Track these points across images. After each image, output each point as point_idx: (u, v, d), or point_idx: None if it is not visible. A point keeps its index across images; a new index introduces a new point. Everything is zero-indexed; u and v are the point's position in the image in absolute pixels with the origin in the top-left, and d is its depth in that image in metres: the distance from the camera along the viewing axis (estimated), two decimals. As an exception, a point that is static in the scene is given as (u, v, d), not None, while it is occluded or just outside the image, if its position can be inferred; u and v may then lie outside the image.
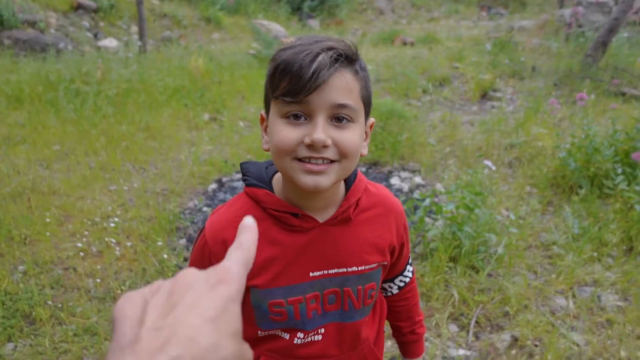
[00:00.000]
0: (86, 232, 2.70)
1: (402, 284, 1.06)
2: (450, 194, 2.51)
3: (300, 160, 0.76)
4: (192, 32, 8.79)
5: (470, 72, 6.06)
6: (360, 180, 0.92)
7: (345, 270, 0.88)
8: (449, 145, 3.99)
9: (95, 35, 7.54)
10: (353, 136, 0.77)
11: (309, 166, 0.75)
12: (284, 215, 0.84)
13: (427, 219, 2.66)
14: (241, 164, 0.92)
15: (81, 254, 2.52)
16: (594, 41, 5.57)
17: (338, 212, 0.86)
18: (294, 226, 0.84)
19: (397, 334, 1.12)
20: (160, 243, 2.60)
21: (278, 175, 0.89)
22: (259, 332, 0.90)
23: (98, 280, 2.35)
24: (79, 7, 7.90)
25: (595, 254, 2.42)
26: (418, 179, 3.43)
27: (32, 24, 6.77)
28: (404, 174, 3.57)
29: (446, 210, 2.39)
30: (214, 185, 3.38)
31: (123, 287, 2.29)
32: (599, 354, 1.86)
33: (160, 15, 8.88)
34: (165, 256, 2.49)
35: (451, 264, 2.30)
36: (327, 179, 0.77)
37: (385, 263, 0.93)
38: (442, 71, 6.09)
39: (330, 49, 0.74)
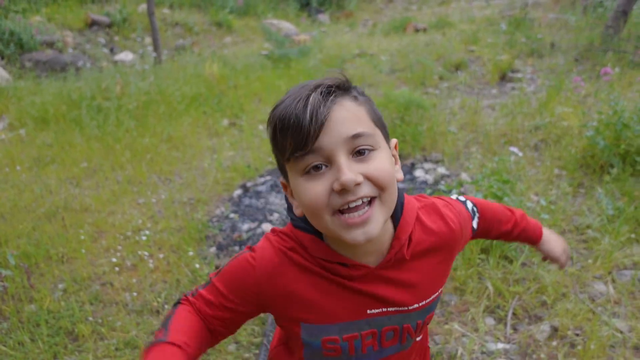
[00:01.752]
0: (119, 247, 2.77)
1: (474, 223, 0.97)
2: (477, 184, 2.47)
3: (339, 212, 0.70)
4: (204, 38, 8.86)
5: (487, 54, 5.94)
6: (410, 209, 0.83)
7: (405, 308, 0.83)
8: (470, 132, 3.93)
9: (112, 50, 7.68)
10: (382, 164, 0.71)
11: (351, 220, 0.69)
12: (332, 266, 0.79)
13: (454, 211, 2.62)
14: (286, 197, 0.84)
15: (116, 268, 2.59)
16: (614, 11, 5.38)
17: (390, 254, 0.79)
18: (344, 276, 0.79)
19: (505, 237, 1.06)
20: (191, 253, 2.64)
21: None
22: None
23: (135, 293, 2.40)
24: (93, 23, 8.06)
25: (632, 235, 2.35)
26: (442, 170, 3.39)
27: (51, 45, 6.94)
28: (427, 165, 3.53)
29: (474, 201, 2.35)
30: (239, 191, 3.41)
31: (159, 299, 2.34)
32: (645, 339, 1.81)
33: (172, 24, 8.98)
34: (197, 266, 2.53)
35: (483, 256, 2.27)
36: (375, 224, 0.70)
37: (443, 288, 0.89)
38: (457, 56, 5.98)
39: (317, 86, 0.70)
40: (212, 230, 2.92)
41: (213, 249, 2.75)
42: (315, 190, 0.69)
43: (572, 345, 1.83)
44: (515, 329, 1.95)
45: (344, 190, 0.68)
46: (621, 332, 1.85)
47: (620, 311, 1.96)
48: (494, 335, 1.93)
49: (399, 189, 0.82)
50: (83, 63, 6.66)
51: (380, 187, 0.70)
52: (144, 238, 2.82)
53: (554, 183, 2.99)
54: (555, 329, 1.90)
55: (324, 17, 10.75)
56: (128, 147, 4.05)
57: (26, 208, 3.19)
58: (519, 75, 5.16)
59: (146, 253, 2.68)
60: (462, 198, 0.97)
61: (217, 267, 2.58)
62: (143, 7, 8.61)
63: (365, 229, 0.69)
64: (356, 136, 0.69)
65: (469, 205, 0.96)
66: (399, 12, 11.07)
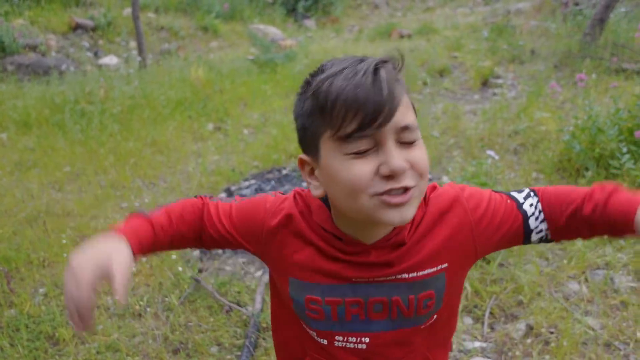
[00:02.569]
0: (102, 251, 2.76)
1: (540, 234, 0.81)
2: (456, 187, 2.52)
3: (378, 195, 0.67)
4: (190, 43, 8.86)
5: (470, 61, 6.05)
6: (424, 199, 0.81)
7: (393, 277, 0.79)
8: (452, 136, 4.00)
9: (96, 54, 7.63)
10: (423, 153, 0.70)
11: (393, 200, 0.67)
12: (327, 235, 0.79)
13: (435, 213, 2.68)
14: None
15: (99, 272, 2.58)
16: (591, 19, 5.53)
17: (391, 234, 0.77)
18: (337, 248, 0.79)
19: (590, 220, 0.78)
20: (174, 256, 2.65)
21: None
22: (304, 326, 0.87)
23: (116, 297, 2.40)
24: (77, 27, 8.00)
25: (605, 236, 2.42)
26: (424, 173, 3.44)
27: (33, 48, 6.88)
28: (409, 169, 3.58)
29: (453, 203, 2.40)
30: (223, 195, 3.42)
31: (141, 302, 2.35)
32: (615, 336, 1.87)
33: (157, 28, 8.95)
34: (180, 269, 2.54)
35: (462, 257, 2.32)
36: (411, 208, 0.70)
37: (446, 265, 0.80)
38: (441, 62, 6.08)
39: (384, 61, 0.66)
40: (195, 233, 2.93)
41: (196, 253, 2.76)
42: (360, 170, 0.66)
43: (547, 343, 1.88)
44: (492, 328, 2.00)
45: (390, 177, 0.66)
46: (593, 330, 1.91)
47: (593, 309, 2.02)
48: (471, 334, 1.97)
49: None
50: (67, 67, 6.61)
51: (420, 175, 0.70)
52: (127, 242, 2.81)
53: (532, 186, 3.06)
54: (530, 327, 1.95)
55: (310, 23, 10.82)
56: (112, 152, 4.04)
57: (7, 212, 3.16)
58: (501, 81, 5.26)
59: (129, 257, 2.68)
60: (514, 193, 0.84)
61: (200, 270, 2.59)
62: (128, 11, 8.58)
63: (402, 211, 0.68)
64: (405, 128, 0.67)
65: (517, 193, 0.83)
66: (384, 19, 11.19)
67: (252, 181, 3.61)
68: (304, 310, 0.83)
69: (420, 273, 0.79)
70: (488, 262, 2.31)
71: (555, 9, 7.98)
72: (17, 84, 5.77)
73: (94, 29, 8.20)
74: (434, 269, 0.80)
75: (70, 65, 6.75)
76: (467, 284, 2.17)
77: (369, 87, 0.63)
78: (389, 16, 11.72)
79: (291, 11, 11.42)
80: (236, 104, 5.27)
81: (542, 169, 3.21)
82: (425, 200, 0.81)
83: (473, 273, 2.23)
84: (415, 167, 0.68)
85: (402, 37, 8.35)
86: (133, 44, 8.04)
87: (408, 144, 0.69)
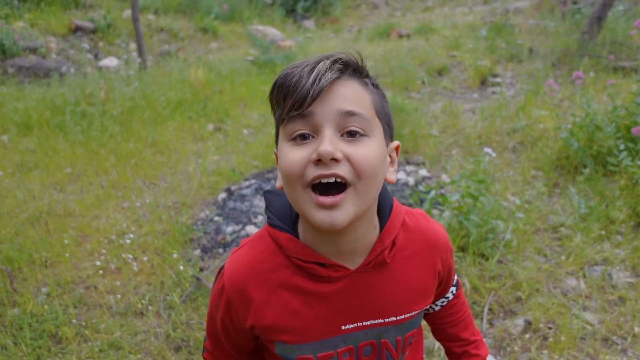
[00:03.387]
0: (103, 251, 2.78)
1: (444, 302, 0.95)
2: (455, 184, 2.55)
3: (312, 190, 0.67)
4: (190, 44, 8.88)
5: (468, 60, 6.06)
6: (398, 213, 0.80)
7: (382, 321, 0.79)
8: (451, 135, 4.02)
9: (96, 56, 7.66)
10: (369, 151, 0.67)
11: (321, 199, 0.66)
12: (309, 266, 0.75)
13: (433, 211, 2.70)
14: (264, 194, 0.83)
15: (100, 272, 2.60)
16: (590, 17, 5.55)
17: (371, 256, 0.76)
18: (321, 277, 0.75)
19: (450, 356, 0.98)
20: (175, 255, 2.67)
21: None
22: None
23: (119, 296, 2.42)
24: (77, 29, 8.03)
25: (603, 232, 2.44)
26: (423, 172, 3.46)
27: (34, 50, 6.90)
28: (409, 168, 3.60)
29: (451, 200, 2.42)
30: (223, 195, 3.44)
31: (143, 301, 2.37)
32: (613, 331, 1.89)
33: (157, 29, 8.98)
34: (182, 268, 2.56)
35: (460, 254, 2.34)
36: (344, 213, 0.66)
37: (428, 308, 0.88)
38: (439, 61, 6.10)
39: (331, 56, 0.68)
40: (196, 233, 2.95)
41: (197, 252, 2.78)
42: (294, 156, 0.67)
43: (545, 338, 1.90)
44: (491, 324, 2.02)
45: (319, 161, 0.65)
46: (591, 325, 1.92)
47: (591, 305, 2.04)
48: (470, 329, 1.99)
49: (389, 193, 0.81)
50: (67, 69, 6.63)
51: (358, 174, 0.66)
52: (128, 241, 2.83)
53: (530, 183, 3.08)
54: (529, 323, 1.97)
55: (309, 23, 10.85)
56: (112, 152, 4.06)
57: (9, 213, 3.18)
58: (499, 79, 5.28)
59: (130, 256, 2.70)
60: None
61: (201, 269, 2.61)
62: (127, 12, 8.60)
63: (333, 213, 0.66)
64: (350, 113, 0.67)
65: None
66: (383, 19, 11.21)
67: (253, 181, 3.63)
68: None
69: (407, 315, 0.80)
70: (487, 259, 2.33)
71: (554, 7, 8.00)
72: (17, 86, 5.79)
73: (93, 31, 8.22)
74: (417, 311, 0.81)
75: (70, 67, 6.77)
76: (466, 281, 2.18)
77: (303, 74, 0.66)
78: (388, 16, 11.74)
79: (290, 12, 11.44)
80: (236, 105, 5.29)
81: (540, 166, 3.23)
82: (405, 226, 0.81)
83: (472, 270, 2.24)
84: (351, 160, 0.66)
85: (401, 36, 8.37)
86: (133, 45, 8.07)
87: (351, 138, 0.67)
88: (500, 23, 7.21)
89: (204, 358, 0.93)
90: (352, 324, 0.78)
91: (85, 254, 2.77)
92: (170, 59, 7.44)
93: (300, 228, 0.79)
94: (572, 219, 2.58)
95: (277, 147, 0.75)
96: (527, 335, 1.92)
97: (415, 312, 0.81)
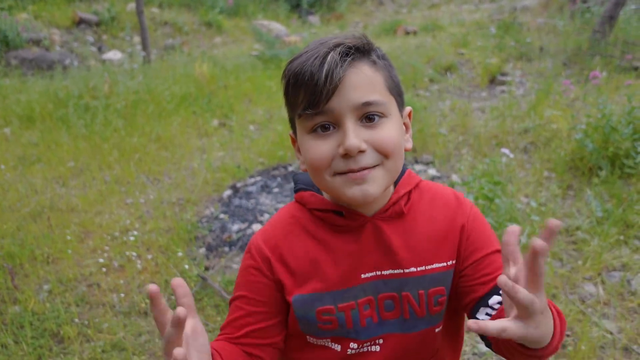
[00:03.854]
0: (107, 247, 2.72)
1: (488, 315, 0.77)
2: (468, 185, 2.48)
3: (340, 174, 0.70)
4: (194, 38, 8.80)
5: (477, 57, 5.98)
6: (411, 176, 0.83)
7: (401, 271, 0.78)
8: (461, 134, 3.94)
9: (100, 49, 7.59)
10: (389, 132, 0.71)
11: (351, 175, 0.69)
12: (328, 216, 0.79)
13: (445, 212, 2.63)
14: (293, 175, 0.89)
15: (103, 269, 2.54)
16: (601, 16, 5.46)
17: (388, 204, 0.79)
18: (340, 226, 0.79)
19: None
20: (180, 254, 2.61)
21: None
22: (309, 337, 0.83)
23: (122, 294, 2.36)
24: (80, 21, 7.96)
25: (621, 237, 2.37)
26: (432, 171, 3.40)
27: (37, 43, 6.84)
28: (417, 167, 3.53)
29: (465, 202, 2.35)
30: (228, 192, 3.38)
31: (147, 301, 2.30)
32: (634, 340, 1.82)
33: (161, 23, 8.90)
34: (187, 267, 2.50)
35: (474, 257, 2.27)
36: (375, 185, 0.70)
37: (454, 261, 0.79)
38: (447, 58, 6.01)
39: (337, 45, 0.69)
40: (201, 230, 2.89)
41: (202, 250, 2.72)
42: (320, 149, 0.70)
43: (563, 346, 1.83)
44: (506, 330, 1.95)
45: (347, 155, 0.68)
46: (611, 333, 1.86)
47: (610, 312, 1.97)
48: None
49: (402, 165, 0.81)
50: (70, 61, 6.57)
51: (385, 154, 0.70)
52: (132, 238, 2.77)
53: (544, 185, 3.01)
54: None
55: (314, 19, 10.75)
56: (116, 147, 4.00)
57: (10, 208, 3.12)
58: (509, 78, 5.20)
59: (134, 254, 2.64)
60: None
61: (206, 268, 2.55)
62: (132, 6, 8.52)
63: (364, 186, 0.69)
64: (367, 104, 0.69)
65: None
66: (389, 15, 11.11)
67: (258, 178, 3.57)
68: (315, 324, 0.80)
69: (429, 267, 0.79)
70: (501, 263, 2.26)
71: (563, 6, 7.91)
72: (20, 79, 5.73)
73: (97, 24, 8.15)
74: (443, 264, 0.79)
75: (73, 60, 6.71)
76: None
77: (315, 69, 0.67)
78: (393, 12, 11.64)
79: (295, 7, 11.35)
80: (241, 100, 5.22)
81: (553, 167, 3.15)
82: (417, 185, 0.83)
83: (486, 273, 2.18)
84: (376, 146, 0.69)
85: (407, 33, 8.28)
86: (137, 39, 8.00)
87: (370, 123, 0.70)
88: (509, 21, 7.11)
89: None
90: (371, 272, 0.78)
91: (88, 250, 2.71)
92: (175, 53, 7.37)
93: (325, 193, 0.82)
94: (588, 222, 2.51)
95: (293, 132, 0.78)
96: (544, 343, 1.85)
97: (438, 267, 0.79)
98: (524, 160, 3.38)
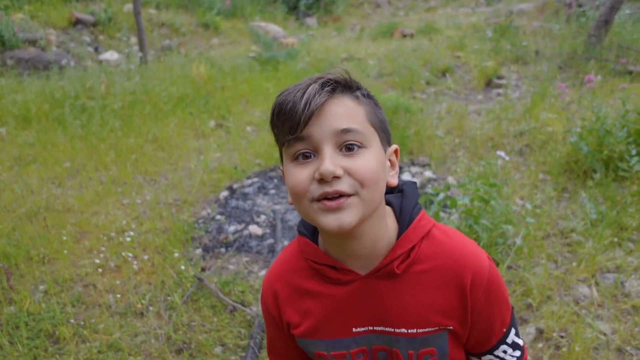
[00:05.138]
0: (103, 248, 2.72)
1: None
2: (464, 187, 2.49)
3: (316, 201, 0.71)
4: (191, 39, 8.80)
5: (473, 61, 6.01)
6: (419, 226, 0.78)
7: (392, 330, 0.79)
8: (457, 136, 3.96)
9: (96, 49, 7.57)
10: (367, 161, 0.71)
11: (327, 203, 0.69)
12: (321, 268, 0.80)
13: (441, 214, 2.64)
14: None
15: (99, 270, 2.54)
16: (596, 20, 5.50)
17: (381, 264, 0.77)
18: (332, 279, 0.80)
19: None
20: (176, 254, 2.61)
21: None
22: None
23: (118, 295, 2.36)
24: (77, 22, 7.94)
25: (615, 239, 2.39)
26: (428, 173, 3.41)
27: (33, 43, 6.81)
28: (414, 169, 3.55)
29: (461, 203, 2.37)
30: (225, 193, 3.38)
31: (143, 301, 2.30)
32: (627, 342, 1.84)
33: (158, 24, 8.89)
34: (183, 267, 2.49)
35: (470, 258, 2.28)
36: (350, 214, 0.69)
37: (451, 328, 0.78)
38: (444, 61, 6.04)
39: (319, 78, 0.72)
40: (198, 231, 2.89)
41: (199, 251, 2.72)
42: (299, 176, 0.72)
43: (557, 347, 1.85)
44: (501, 331, 1.97)
45: (322, 180, 0.69)
46: (605, 335, 1.87)
47: (604, 314, 1.99)
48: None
49: (419, 204, 0.82)
50: (67, 62, 6.55)
51: (361, 183, 0.70)
52: (128, 239, 2.77)
53: (539, 187, 3.03)
54: (540, 331, 1.92)
55: (311, 21, 10.77)
56: (112, 147, 3.99)
57: (6, 208, 3.11)
58: (504, 81, 5.23)
59: (130, 254, 2.64)
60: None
61: (202, 269, 2.55)
62: (129, 6, 8.52)
63: (339, 216, 0.69)
64: (346, 131, 0.70)
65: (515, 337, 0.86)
66: (386, 18, 11.15)
67: (255, 179, 3.57)
68: (314, 357, 0.88)
69: (420, 330, 0.78)
70: (497, 265, 2.28)
71: (559, 10, 7.96)
72: (16, 79, 5.71)
73: (94, 24, 8.13)
74: (436, 328, 0.78)
75: (70, 60, 6.69)
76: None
77: (296, 98, 0.70)
78: (390, 15, 11.69)
79: (292, 9, 11.37)
80: (238, 101, 5.23)
81: (549, 170, 3.18)
82: (428, 234, 0.79)
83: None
84: (352, 174, 0.69)
85: (404, 36, 8.31)
86: (134, 39, 7.99)
87: (349, 153, 0.71)
88: (505, 24, 7.15)
89: None
90: (363, 327, 0.80)
91: (84, 251, 2.70)
92: (172, 54, 7.36)
93: (320, 235, 0.84)
94: (582, 224, 2.53)
95: (282, 165, 0.80)
96: (539, 344, 1.86)
97: (431, 330, 0.78)
98: (519, 162, 3.40)
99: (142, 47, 6.54)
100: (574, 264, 2.28)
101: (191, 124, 4.61)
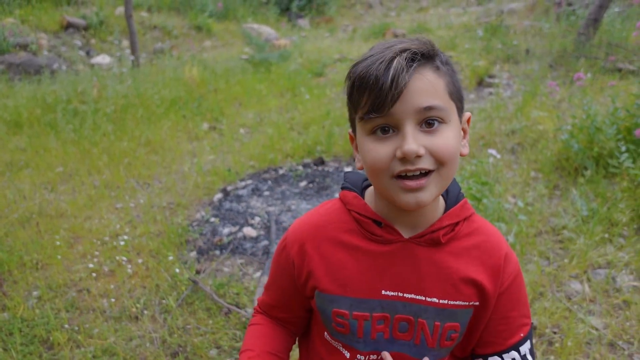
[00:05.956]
0: (96, 252, 2.71)
1: None
2: (456, 186, 2.51)
3: (398, 177, 0.70)
4: (184, 42, 8.78)
5: (465, 60, 6.04)
6: (464, 207, 0.81)
7: (423, 298, 0.78)
8: (449, 135, 3.99)
9: (88, 53, 7.54)
10: (448, 139, 0.70)
11: (408, 183, 0.70)
12: (365, 221, 0.80)
13: (435, 213, 2.66)
14: (344, 173, 0.89)
15: (93, 274, 2.53)
16: (586, 19, 5.55)
17: (427, 230, 0.78)
18: (374, 234, 0.79)
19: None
20: (171, 257, 2.61)
21: (372, 188, 0.84)
22: (326, 334, 0.86)
23: (112, 299, 2.35)
24: (68, 26, 7.90)
25: (606, 235, 2.42)
26: (422, 173, 3.43)
27: (24, 47, 6.78)
28: (407, 169, 3.56)
29: (453, 202, 2.38)
30: (219, 195, 3.38)
31: (138, 305, 2.30)
32: (619, 336, 1.86)
33: (150, 27, 8.87)
34: (177, 270, 2.49)
35: (463, 257, 2.30)
36: (428, 193, 0.71)
37: (477, 304, 0.79)
38: (436, 61, 6.07)
39: (403, 50, 0.68)
40: (192, 234, 2.88)
41: (193, 254, 2.72)
42: (378, 152, 0.70)
43: (550, 343, 1.86)
44: (495, 329, 1.98)
45: (404, 158, 0.68)
46: (596, 329, 1.89)
47: (595, 309, 2.01)
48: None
49: (458, 185, 0.84)
50: (58, 66, 6.52)
51: (441, 162, 0.70)
52: (122, 243, 2.77)
53: (531, 185, 3.05)
54: (533, 327, 1.93)
55: (304, 22, 10.78)
56: (105, 151, 3.98)
57: (-2, 214, 3.09)
58: (496, 80, 5.27)
59: (124, 258, 2.63)
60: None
61: (197, 272, 2.55)
62: (120, 9, 8.49)
63: (418, 194, 0.70)
64: (428, 108, 0.69)
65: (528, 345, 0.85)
66: (378, 18, 11.18)
67: (249, 181, 3.57)
68: (330, 323, 0.83)
69: (452, 302, 0.78)
70: (489, 262, 2.30)
71: (548, 9, 8.02)
72: (7, 83, 5.68)
73: (85, 28, 8.10)
74: (466, 303, 0.79)
75: (62, 64, 6.66)
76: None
77: (380, 74, 0.67)
78: (382, 16, 11.72)
79: (285, 11, 11.38)
80: (231, 104, 5.23)
81: (540, 167, 3.20)
82: (469, 218, 0.81)
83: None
84: (433, 153, 0.69)
85: (396, 36, 8.34)
86: (126, 43, 7.96)
87: (430, 129, 0.70)
88: (496, 24, 7.20)
89: (254, 310, 1.00)
90: (393, 291, 0.79)
91: (78, 256, 2.69)
92: (164, 56, 7.35)
93: (368, 195, 0.84)
94: (574, 221, 2.55)
95: (353, 131, 0.79)
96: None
97: (461, 304, 0.78)
98: (511, 160, 3.43)
99: (134, 50, 6.53)
100: (566, 260, 2.30)
101: (184, 127, 4.61)
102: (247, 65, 6.49)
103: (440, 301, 0.78)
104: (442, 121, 0.70)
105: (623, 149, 2.79)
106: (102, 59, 7.20)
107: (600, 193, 2.74)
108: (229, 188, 3.49)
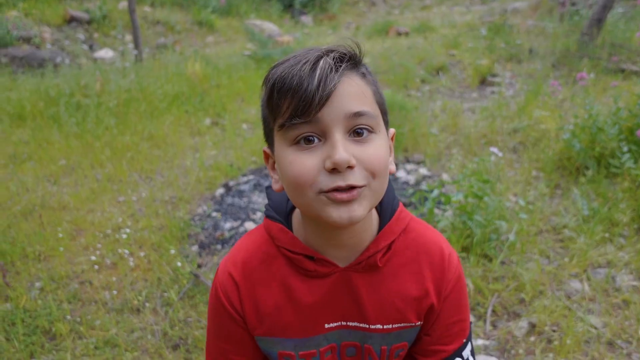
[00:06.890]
0: (99, 245, 2.72)
1: None
2: (458, 183, 2.52)
3: (324, 193, 0.62)
4: (186, 37, 8.78)
5: (468, 59, 6.04)
6: (400, 219, 0.76)
7: (367, 326, 0.75)
8: (451, 134, 3.99)
9: (91, 47, 7.55)
10: (378, 150, 0.64)
11: (338, 195, 0.61)
12: (297, 258, 0.72)
13: (436, 210, 2.67)
14: (266, 188, 0.81)
15: (95, 267, 2.54)
16: (589, 19, 5.54)
17: (363, 256, 0.72)
18: (308, 270, 0.73)
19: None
20: (173, 251, 2.62)
21: (298, 212, 0.76)
22: None
23: (114, 292, 2.37)
24: (72, 19, 7.90)
25: (606, 235, 2.42)
26: (423, 170, 3.43)
27: (27, 40, 6.78)
28: (409, 166, 3.57)
29: (455, 200, 2.39)
30: (221, 190, 3.39)
31: (140, 298, 2.31)
32: (618, 335, 1.87)
33: (153, 22, 8.87)
34: (179, 264, 2.51)
35: (464, 254, 2.31)
36: (361, 207, 0.63)
37: (422, 322, 0.78)
38: (439, 59, 6.07)
39: (330, 51, 0.62)
40: (194, 228, 2.90)
41: (195, 248, 2.73)
42: (304, 164, 0.62)
43: (549, 341, 1.88)
44: (494, 326, 1.99)
45: (335, 170, 0.61)
46: (595, 328, 1.90)
47: (595, 308, 2.02)
48: (473, 332, 1.96)
49: (397, 197, 0.78)
50: (61, 59, 6.52)
51: (372, 173, 0.63)
52: (124, 236, 2.78)
53: (532, 184, 3.06)
54: (533, 325, 1.95)
55: (307, 19, 10.77)
56: (108, 145, 3.99)
57: (1, 206, 3.11)
58: (498, 79, 5.26)
59: (126, 251, 2.64)
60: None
61: (199, 265, 2.57)
62: (124, 4, 8.49)
63: (351, 208, 0.62)
64: (358, 114, 0.62)
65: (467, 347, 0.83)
66: (381, 16, 11.17)
67: (251, 177, 3.58)
68: (275, 359, 0.80)
69: (396, 325, 0.76)
70: (490, 260, 2.31)
71: (552, 8, 8.01)
72: (10, 76, 5.68)
73: (89, 22, 8.10)
74: (412, 324, 0.77)
75: (65, 58, 6.67)
76: (469, 282, 2.16)
77: (304, 75, 0.60)
78: (385, 13, 11.71)
79: (288, 7, 11.37)
80: (233, 99, 5.23)
81: (542, 167, 3.21)
82: (405, 230, 0.76)
83: (476, 270, 2.22)
84: (365, 164, 0.62)
85: (399, 34, 8.33)
86: (129, 37, 7.97)
87: (359, 138, 0.63)
88: (499, 23, 7.19)
89: None
90: (335, 322, 0.75)
91: (80, 248, 2.71)
92: (167, 51, 7.35)
93: (295, 222, 0.76)
94: (575, 220, 2.56)
95: (269, 147, 0.70)
96: (531, 338, 1.89)
97: (405, 325, 0.76)
98: (513, 159, 3.44)
99: (137, 45, 6.53)
100: (566, 259, 2.31)
101: (187, 122, 4.62)
102: (249, 61, 6.49)
103: (385, 326, 0.75)
104: (371, 130, 0.64)
105: (625, 149, 2.80)
106: (105, 53, 7.20)
107: (602, 193, 2.74)
108: (231, 183, 3.50)
